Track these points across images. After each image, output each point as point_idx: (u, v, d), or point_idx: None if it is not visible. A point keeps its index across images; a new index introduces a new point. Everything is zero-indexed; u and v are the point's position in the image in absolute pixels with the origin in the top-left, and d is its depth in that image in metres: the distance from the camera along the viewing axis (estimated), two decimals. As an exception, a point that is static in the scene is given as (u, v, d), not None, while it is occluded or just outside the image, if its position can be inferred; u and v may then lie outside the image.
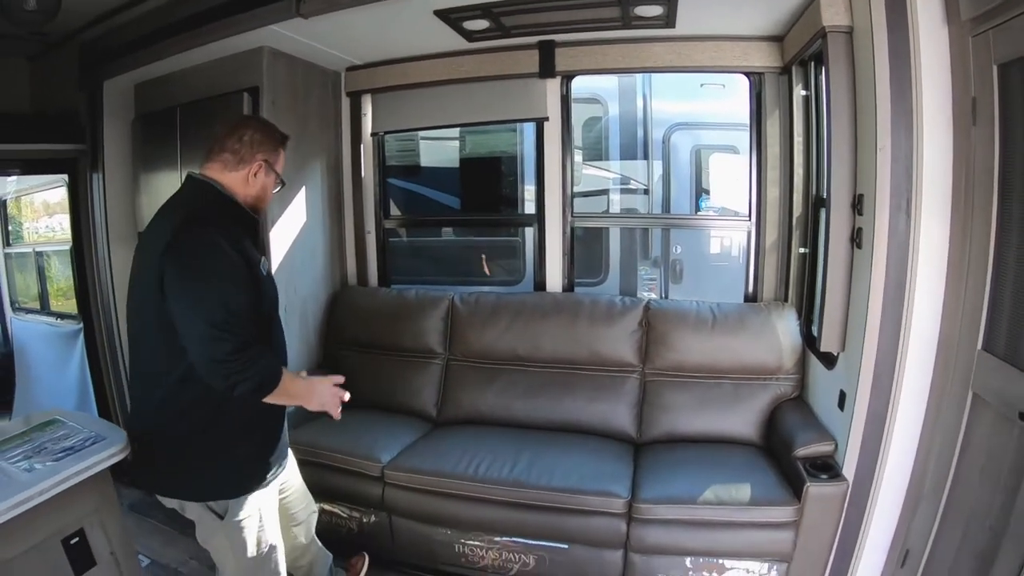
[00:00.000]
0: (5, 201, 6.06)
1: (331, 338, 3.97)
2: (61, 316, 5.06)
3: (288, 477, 2.42)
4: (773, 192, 3.42)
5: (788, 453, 2.76)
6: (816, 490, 2.54)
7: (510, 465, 2.93)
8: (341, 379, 2.28)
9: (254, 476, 2.13)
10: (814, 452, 2.69)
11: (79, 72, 4.03)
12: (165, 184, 3.94)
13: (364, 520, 3.20)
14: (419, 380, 3.66)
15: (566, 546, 2.81)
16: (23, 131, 4.02)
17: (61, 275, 5.47)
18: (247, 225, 2.21)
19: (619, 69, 3.87)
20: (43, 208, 5.91)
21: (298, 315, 3.78)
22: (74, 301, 4.61)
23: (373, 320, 3.85)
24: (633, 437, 3.28)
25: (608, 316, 3.45)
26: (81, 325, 4.46)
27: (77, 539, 2.01)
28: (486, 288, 4.02)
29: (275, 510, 2.27)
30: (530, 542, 2.84)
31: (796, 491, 2.61)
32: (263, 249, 2.22)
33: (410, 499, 3.03)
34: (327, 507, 3.26)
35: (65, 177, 4.36)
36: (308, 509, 2.59)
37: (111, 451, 2.03)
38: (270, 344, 2.15)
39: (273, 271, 3.24)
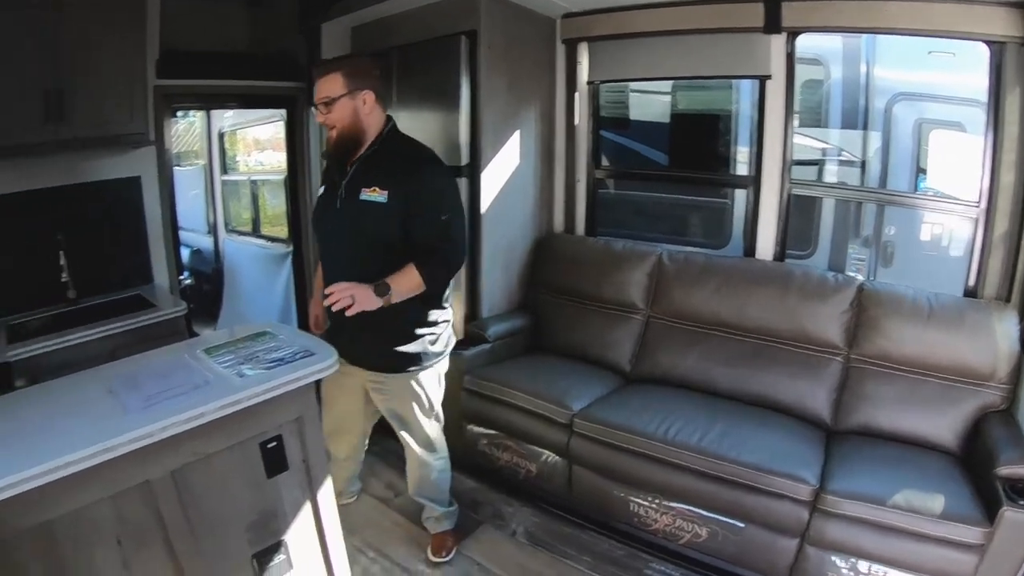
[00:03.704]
0: (223, 134, 6.66)
1: (532, 282, 4.06)
2: (271, 239, 5.48)
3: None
4: (1008, 177, 3.00)
5: (988, 470, 2.47)
6: (1012, 515, 2.26)
7: (701, 432, 2.86)
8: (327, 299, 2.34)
9: None
10: (1017, 473, 2.38)
11: (299, 16, 4.25)
12: None
13: (544, 464, 3.27)
14: (617, 333, 3.66)
15: (742, 524, 2.71)
16: (244, 69, 4.28)
17: (271, 203, 5.95)
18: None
19: (850, 28, 3.66)
20: (254, 143, 6.51)
21: (503, 257, 3.89)
22: (280, 228, 5.03)
23: (577, 268, 3.88)
24: (827, 423, 3.10)
25: (819, 292, 3.26)
26: (291, 248, 4.83)
27: (274, 444, 2.13)
28: (692, 248, 3.91)
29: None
30: (706, 514, 2.78)
31: (990, 513, 2.34)
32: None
33: (595, 451, 3.04)
34: (510, 445, 3.36)
35: (283, 112, 4.66)
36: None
37: (320, 365, 2.15)
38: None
39: (484, 210, 3.61)
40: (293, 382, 2.07)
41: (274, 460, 2.14)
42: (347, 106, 2.41)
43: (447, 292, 2.69)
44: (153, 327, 3.39)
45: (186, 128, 7.18)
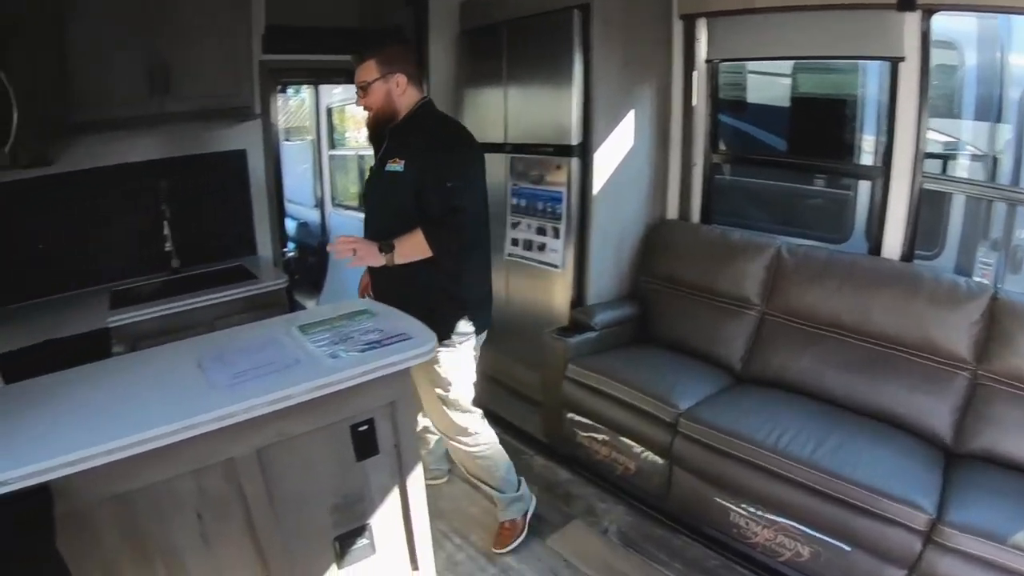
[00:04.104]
0: (331, 109, 6.71)
1: (643, 271, 3.89)
2: None
3: None
4: None
5: None
6: None
7: (814, 444, 2.61)
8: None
9: None
10: None
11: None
12: (489, 101, 4.06)
13: (643, 462, 3.11)
14: (729, 328, 3.44)
15: (848, 548, 2.45)
16: (352, 43, 4.16)
17: None
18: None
19: (991, 7, 3.27)
20: (362, 119, 6.47)
21: (614, 242, 3.76)
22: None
23: (690, 257, 3.68)
24: (947, 444, 2.77)
25: (950, 299, 2.92)
26: None
27: (366, 427, 2.07)
28: (810, 242, 3.65)
29: None
30: (812, 532, 2.53)
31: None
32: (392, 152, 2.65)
33: (699, 455, 2.86)
34: (610, 440, 3.23)
35: None
36: None
37: (417, 351, 2.07)
38: None
39: (596, 192, 3.52)
40: (387, 367, 2.00)
41: (364, 444, 2.09)
42: (380, 89, 2.59)
43: (480, 272, 2.79)
44: (254, 298, 3.41)
45: (297, 105, 7.36)
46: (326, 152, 6.80)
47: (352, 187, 6.73)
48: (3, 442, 1.56)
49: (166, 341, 2.86)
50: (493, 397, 4.25)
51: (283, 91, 5.98)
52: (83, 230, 3.57)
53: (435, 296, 2.60)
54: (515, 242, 3.99)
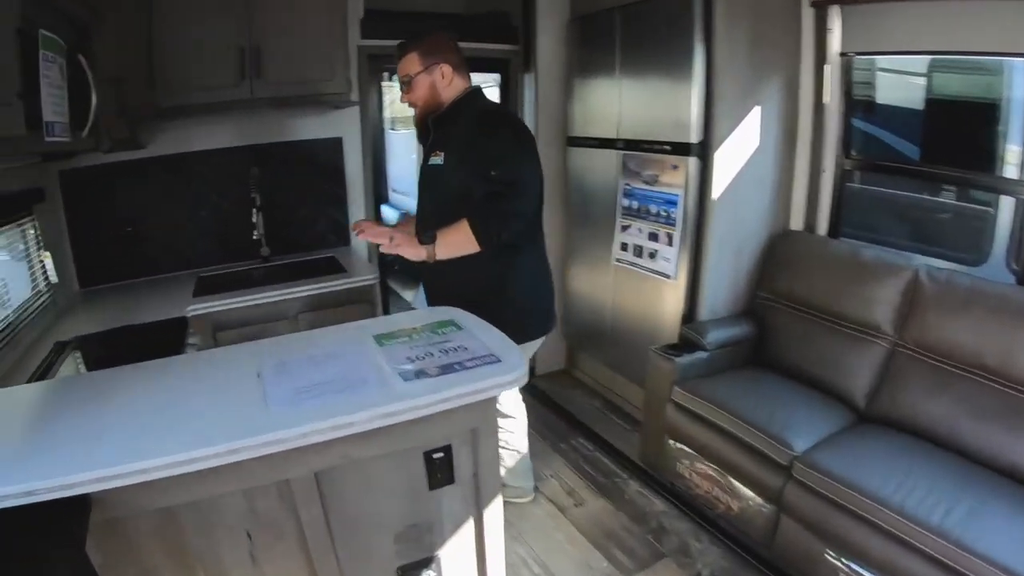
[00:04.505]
0: None
1: (761, 285, 3.54)
2: None
3: None
4: None
5: None
6: None
7: (945, 507, 2.22)
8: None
9: None
10: None
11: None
12: (601, 91, 3.82)
13: (748, 504, 2.83)
14: (853, 359, 3.05)
15: None
16: (458, 30, 4.01)
17: None
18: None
19: None
20: None
21: (732, 253, 3.46)
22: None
23: (815, 275, 3.31)
24: None
25: None
26: None
27: (442, 455, 1.86)
28: (942, 262, 3.21)
29: None
30: None
31: None
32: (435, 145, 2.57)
33: (812, 504, 2.52)
34: (713, 475, 2.97)
35: (497, 77, 4.44)
36: None
37: (503, 379, 1.80)
38: None
39: (715, 197, 3.31)
40: (466, 396, 1.75)
41: (439, 472, 1.88)
42: (424, 81, 2.50)
43: (532, 271, 2.65)
44: (341, 293, 3.29)
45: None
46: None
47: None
48: (41, 446, 1.48)
49: (247, 331, 3.05)
50: (588, 410, 4.09)
51: (389, 79, 5.79)
52: (173, 215, 3.60)
53: (481, 296, 2.39)
54: (624, 247, 3.73)
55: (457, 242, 2.35)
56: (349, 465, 1.73)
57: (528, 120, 4.19)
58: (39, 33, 1.94)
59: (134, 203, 3.49)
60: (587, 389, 4.39)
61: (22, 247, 2.99)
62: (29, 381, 2.23)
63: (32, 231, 3.04)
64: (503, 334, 2.03)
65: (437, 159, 2.50)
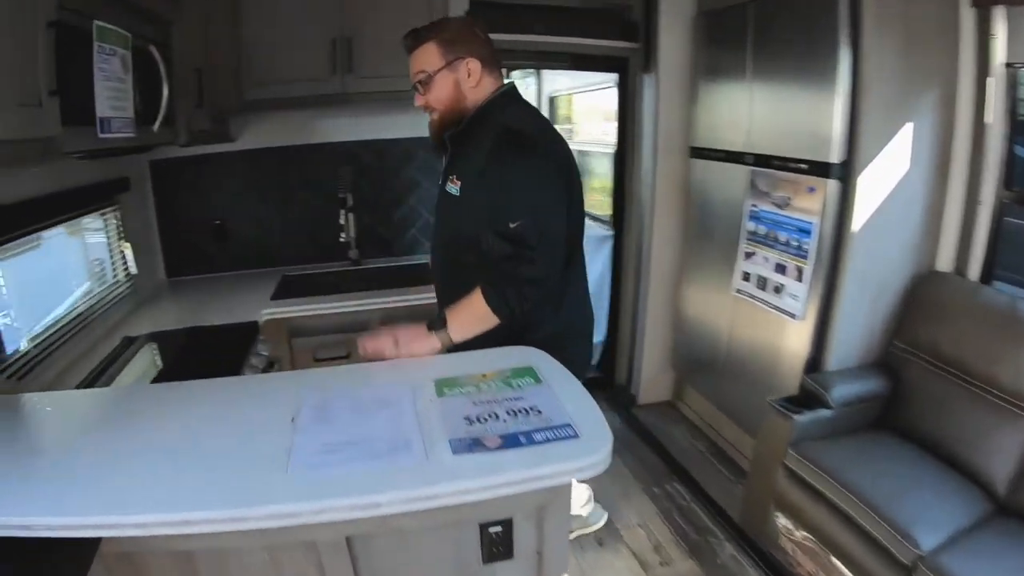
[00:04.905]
0: (553, 98, 6.24)
1: (899, 333, 2.96)
2: (594, 219, 4.95)
3: None
4: None
5: None
6: None
7: None
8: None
9: None
10: None
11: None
12: (729, 99, 3.43)
13: None
14: (999, 435, 2.45)
15: None
16: (574, 25, 3.76)
17: (599, 175, 5.45)
18: None
19: None
20: (591, 110, 5.94)
21: (871, 294, 2.94)
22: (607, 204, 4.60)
23: (963, 327, 2.70)
24: None
25: None
26: (612, 233, 4.39)
27: (500, 528, 1.53)
28: None
29: None
30: None
31: None
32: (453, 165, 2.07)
33: None
34: (820, 557, 2.54)
35: (615, 77, 4.10)
36: None
37: (577, 464, 1.39)
38: None
39: (856, 228, 2.82)
40: (526, 482, 1.38)
41: (495, 546, 1.55)
42: (447, 80, 1.97)
43: (568, 316, 2.13)
44: (423, 308, 3.00)
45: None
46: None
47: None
48: (47, 472, 1.36)
49: (324, 340, 2.96)
50: (690, 452, 3.72)
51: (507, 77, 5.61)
52: (261, 210, 3.56)
53: (530, 333, 1.99)
54: (746, 277, 3.29)
55: (471, 322, 1.91)
56: (389, 532, 1.47)
57: (647, 126, 3.82)
58: (93, 25, 1.82)
59: (223, 196, 3.47)
60: (691, 426, 4.00)
61: (104, 236, 2.99)
62: (94, 372, 2.28)
63: (114, 220, 3.03)
64: (590, 397, 1.63)
65: (454, 187, 2.01)
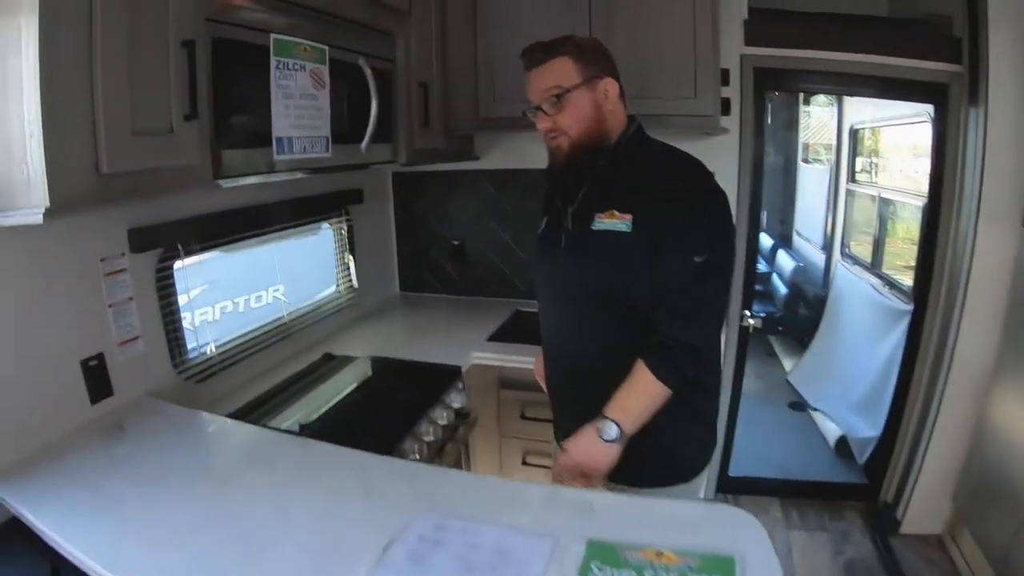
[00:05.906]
0: (857, 130, 5.33)
1: None
2: (891, 285, 4.21)
3: None
4: None
5: None
6: None
7: None
8: None
9: None
10: None
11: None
12: None
13: None
14: None
15: None
16: (879, 40, 2.99)
17: (905, 231, 4.60)
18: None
19: None
20: (900, 148, 4.92)
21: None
22: (911, 272, 3.73)
23: None
24: None
25: None
26: (911, 308, 3.39)
27: None
28: None
29: None
30: None
31: None
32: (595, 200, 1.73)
33: None
34: None
35: (929, 109, 3.15)
36: None
37: None
38: None
39: None
40: None
41: None
42: (584, 100, 1.72)
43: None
44: None
45: (820, 122, 6.22)
46: (844, 185, 5.43)
47: (866, 237, 5.19)
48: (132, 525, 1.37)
49: (531, 396, 2.53)
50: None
51: (806, 102, 4.96)
52: (499, 235, 3.45)
53: (674, 415, 1.69)
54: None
55: (644, 405, 1.64)
56: None
57: (968, 175, 2.86)
58: (271, 38, 1.74)
59: (463, 216, 3.46)
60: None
61: (333, 246, 3.12)
62: (279, 386, 2.36)
63: (344, 231, 3.13)
64: None
65: (614, 223, 1.68)
